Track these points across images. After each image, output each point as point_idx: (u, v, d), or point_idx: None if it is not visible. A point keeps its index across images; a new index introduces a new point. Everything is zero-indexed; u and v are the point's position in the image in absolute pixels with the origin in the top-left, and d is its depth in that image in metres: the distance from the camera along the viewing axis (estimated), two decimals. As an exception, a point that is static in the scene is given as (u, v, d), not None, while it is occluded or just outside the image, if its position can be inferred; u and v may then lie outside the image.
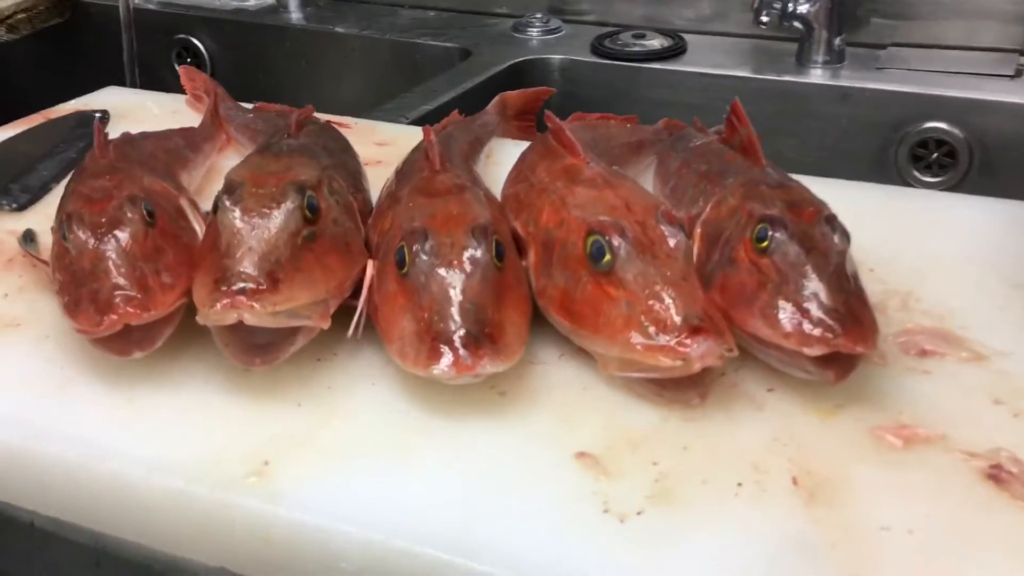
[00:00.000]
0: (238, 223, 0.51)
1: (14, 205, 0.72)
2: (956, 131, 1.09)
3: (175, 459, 0.47)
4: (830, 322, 0.48)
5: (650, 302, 0.49)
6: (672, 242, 0.51)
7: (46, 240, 0.66)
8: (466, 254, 0.51)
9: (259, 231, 0.51)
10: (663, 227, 0.52)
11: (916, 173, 1.12)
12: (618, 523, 0.43)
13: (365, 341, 0.55)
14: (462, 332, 0.48)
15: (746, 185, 0.56)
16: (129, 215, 0.53)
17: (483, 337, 0.49)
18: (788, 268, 0.50)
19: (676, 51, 1.26)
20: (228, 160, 0.82)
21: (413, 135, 0.88)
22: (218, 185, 0.62)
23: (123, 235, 0.52)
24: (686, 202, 0.61)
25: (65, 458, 0.48)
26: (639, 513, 0.43)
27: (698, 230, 0.57)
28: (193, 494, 0.45)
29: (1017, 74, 1.10)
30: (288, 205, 0.52)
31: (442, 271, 0.50)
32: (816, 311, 0.49)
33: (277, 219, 0.52)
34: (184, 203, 0.59)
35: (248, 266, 0.50)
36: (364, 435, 0.49)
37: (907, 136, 1.12)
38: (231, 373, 0.53)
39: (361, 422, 0.50)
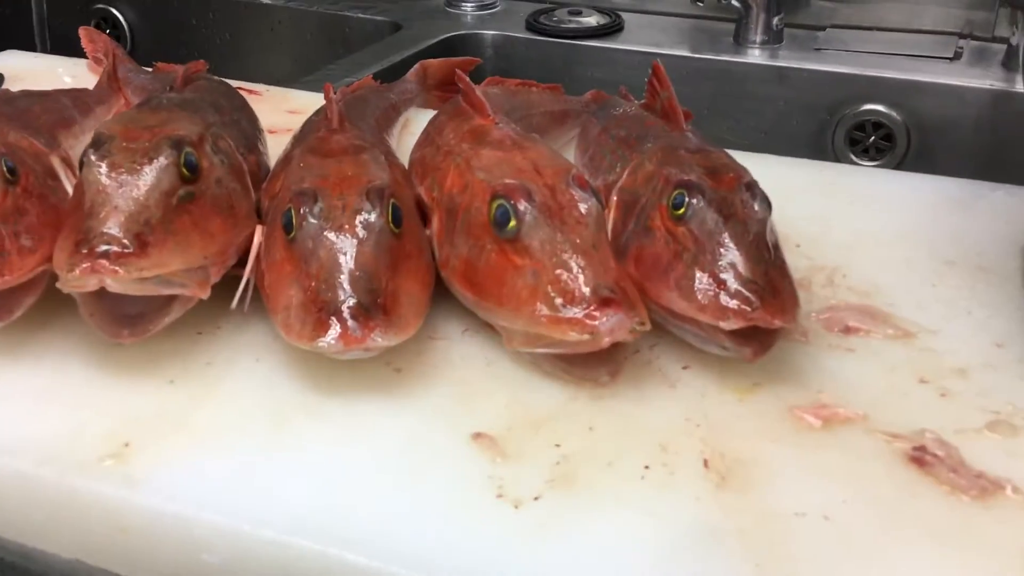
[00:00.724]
0: (104, 180, 0.46)
1: None
2: (894, 114, 1.08)
3: (27, 439, 0.42)
4: (747, 294, 0.45)
5: (557, 271, 0.45)
6: (583, 207, 0.48)
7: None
8: (359, 218, 0.47)
9: (127, 188, 0.46)
10: (573, 191, 0.48)
11: (853, 156, 1.10)
12: (512, 509, 0.39)
13: (252, 313, 0.50)
14: (352, 302, 0.44)
15: (664, 150, 0.52)
16: (-17, 172, 0.48)
17: (375, 308, 0.44)
18: (705, 237, 0.47)
19: (613, 28, 1.22)
20: (127, 125, 0.77)
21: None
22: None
23: (-24, 194, 0.47)
24: (604, 169, 0.57)
25: (-99, 439, 0.43)
26: (536, 498, 0.39)
27: (614, 197, 0.53)
28: (41, 478, 0.41)
29: (956, 56, 1.08)
30: (162, 161, 0.47)
31: (331, 235, 0.46)
32: (733, 283, 0.45)
33: (148, 176, 0.47)
34: (56, 162, 0.54)
35: (113, 227, 0.45)
36: (241, 415, 0.44)
37: (844, 118, 1.09)
38: (99, 347, 0.48)
39: (239, 401, 0.45)
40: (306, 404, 0.45)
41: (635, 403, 0.45)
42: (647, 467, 0.41)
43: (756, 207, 0.48)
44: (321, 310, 0.44)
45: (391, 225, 0.47)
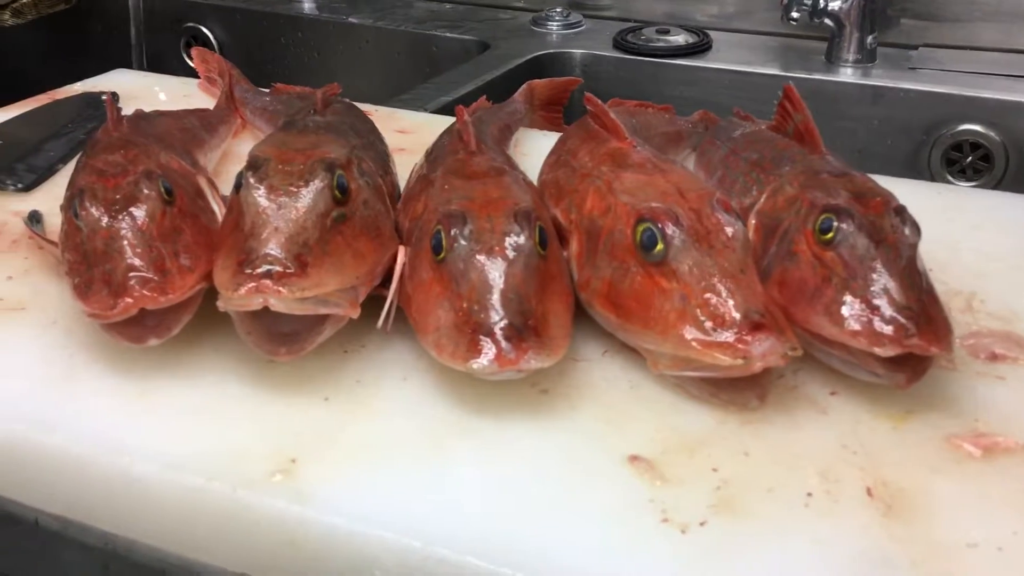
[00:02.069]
0: (264, 201, 0.48)
1: (19, 185, 0.68)
2: (992, 134, 1.06)
3: (193, 455, 0.44)
4: (903, 321, 0.45)
5: (707, 295, 0.45)
6: (729, 231, 0.48)
7: (53, 222, 0.63)
8: (508, 240, 0.47)
9: (286, 210, 0.47)
10: (719, 215, 0.48)
11: (950, 177, 1.09)
12: (679, 534, 0.39)
13: (395, 332, 0.51)
14: (504, 323, 0.45)
15: (805, 173, 0.52)
16: (146, 191, 0.49)
17: (527, 330, 0.45)
18: (855, 262, 0.46)
19: (701, 47, 1.22)
20: (243, 144, 0.78)
21: (436, 123, 0.85)
22: (234, 169, 0.59)
23: (139, 213, 0.49)
24: (737, 191, 0.57)
25: (73, 452, 0.45)
26: (702, 524, 0.40)
27: (752, 221, 0.53)
28: (213, 492, 0.42)
29: (1055, 76, 1.06)
30: (317, 183, 0.48)
31: (482, 257, 0.47)
32: (887, 309, 0.45)
33: (305, 198, 0.48)
34: (203, 182, 0.55)
35: (275, 248, 0.46)
36: (396, 433, 0.45)
37: (941, 138, 1.08)
38: (253, 364, 0.49)
39: (393, 419, 0.46)
40: (458, 423, 0.46)
41: (788, 429, 0.45)
42: (809, 494, 0.41)
43: (907, 231, 0.47)
44: (475, 331, 0.45)
45: (538, 247, 0.48)
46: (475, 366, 0.44)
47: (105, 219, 0.48)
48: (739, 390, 0.46)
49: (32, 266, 0.59)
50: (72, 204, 0.50)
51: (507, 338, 0.44)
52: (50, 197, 0.68)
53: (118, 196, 0.49)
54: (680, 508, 0.40)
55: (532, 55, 1.23)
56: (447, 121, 0.84)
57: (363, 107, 0.86)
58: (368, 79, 1.40)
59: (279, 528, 0.41)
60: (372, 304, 0.50)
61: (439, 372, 0.49)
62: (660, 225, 0.47)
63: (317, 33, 1.41)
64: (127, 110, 0.85)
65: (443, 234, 0.48)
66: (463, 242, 0.47)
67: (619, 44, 1.24)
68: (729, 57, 1.21)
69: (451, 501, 0.41)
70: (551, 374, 0.48)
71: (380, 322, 0.50)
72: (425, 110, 1.03)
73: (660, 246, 0.47)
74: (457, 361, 0.45)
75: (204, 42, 1.47)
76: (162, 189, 0.50)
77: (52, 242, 0.56)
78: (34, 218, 0.63)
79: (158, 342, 0.48)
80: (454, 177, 0.53)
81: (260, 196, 0.48)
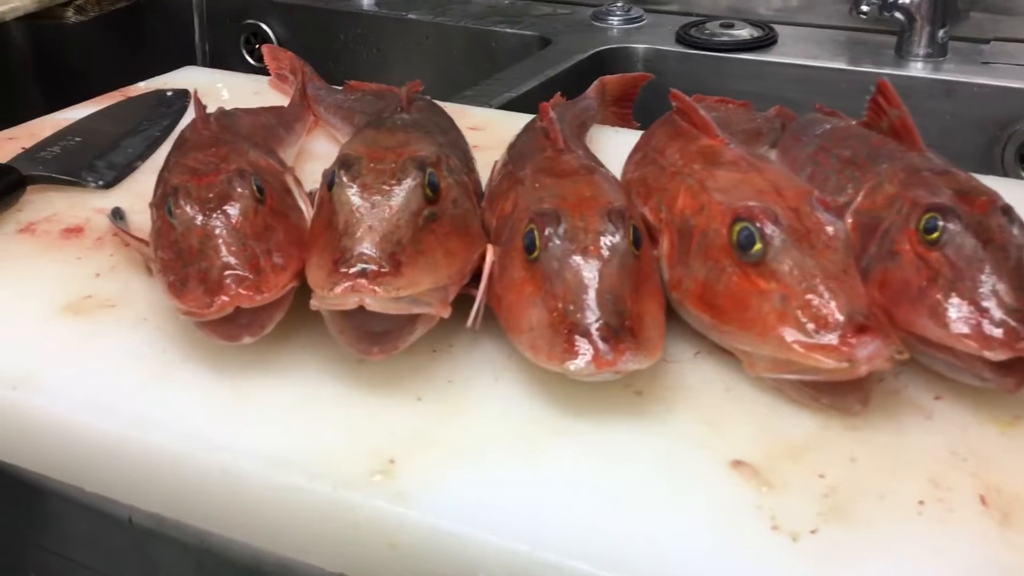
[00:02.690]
0: (357, 200, 0.47)
1: (100, 182, 0.69)
2: (1068, 130, 1.03)
3: (291, 454, 0.43)
4: (1013, 323, 0.43)
5: (808, 296, 0.44)
6: (830, 230, 0.47)
7: (134, 220, 0.64)
8: (603, 239, 0.47)
9: (379, 209, 0.47)
10: (819, 214, 0.47)
11: (1023, 173, 1.06)
12: (790, 542, 0.38)
13: (482, 332, 0.50)
14: (601, 324, 0.44)
15: (906, 171, 0.51)
16: (239, 190, 0.49)
17: (623, 330, 0.44)
18: (963, 263, 0.45)
19: (767, 41, 1.20)
20: (316, 142, 0.79)
21: (507, 120, 0.84)
22: (309, 167, 0.59)
23: (233, 211, 0.49)
24: (830, 189, 0.56)
25: (169, 450, 0.45)
26: (813, 531, 0.39)
27: (849, 220, 0.52)
28: (314, 492, 0.42)
29: None
30: (409, 182, 0.48)
31: (577, 257, 0.46)
32: (997, 311, 0.44)
33: (398, 196, 0.48)
34: (290, 180, 0.55)
35: (369, 247, 0.46)
36: (493, 434, 0.45)
37: (1016, 134, 1.06)
38: (343, 363, 0.49)
39: (488, 420, 0.46)
40: (554, 424, 0.45)
41: (893, 434, 0.44)
42: (922, 502, 0.40)
43: (1015, 231, 0.46)
44: (570, 332, 0.44)
45: (633, 247, 0.47)
46: (572, 367, 0.43)
47: (200, 217, 0.48)
48: (841, 394, 0.45)
49: (118, 263, 0.59)
50: (166, 202, 0.50)
51: (604, 339, 0.44)
52: (130, 194, 0.69)
53: (211, 194, 0.49)
54: (789, 515, 0.39)
55: (594, 50, 1.21)
56: (518, 117, 0.84)
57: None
58: (426, 75, 1.39)
59: (380, 529, 0.41)
60: (458, 303, 0.50)
61: (530, 372, 0.48)
62: (758, 224, 0.46)
63: (376, 29, 1.41)
64: (199, 107, 0.85)
65: (536, 233, 0.47)
66: (557, 241, 0.47)
67: (682, 39, 1.22)
68: (795, 51, 1.19)
69: (556, 505, 0.40)
70: (644, 375, 0.47)
71: (470, 321, 0.49)
72: (490, 106, 1.02)
73: (759, 245, 0.46)
74: (553, 362, 0.44)
75: (264, 39, 1.48)
76: (254, 187, 0.50)
77: (139, 239, 0.57)
78: (117, 215, 0.63)
79: (252, 340, 0.48)
80: (544, 175, 0.52)
81: (353, 194, 0.48)
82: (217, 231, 0.48)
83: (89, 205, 0.67)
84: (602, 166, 0.56)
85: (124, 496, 0.47)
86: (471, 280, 0.51)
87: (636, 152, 0.61)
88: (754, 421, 0.45)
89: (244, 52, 1.47)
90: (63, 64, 1.51)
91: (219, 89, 0.91)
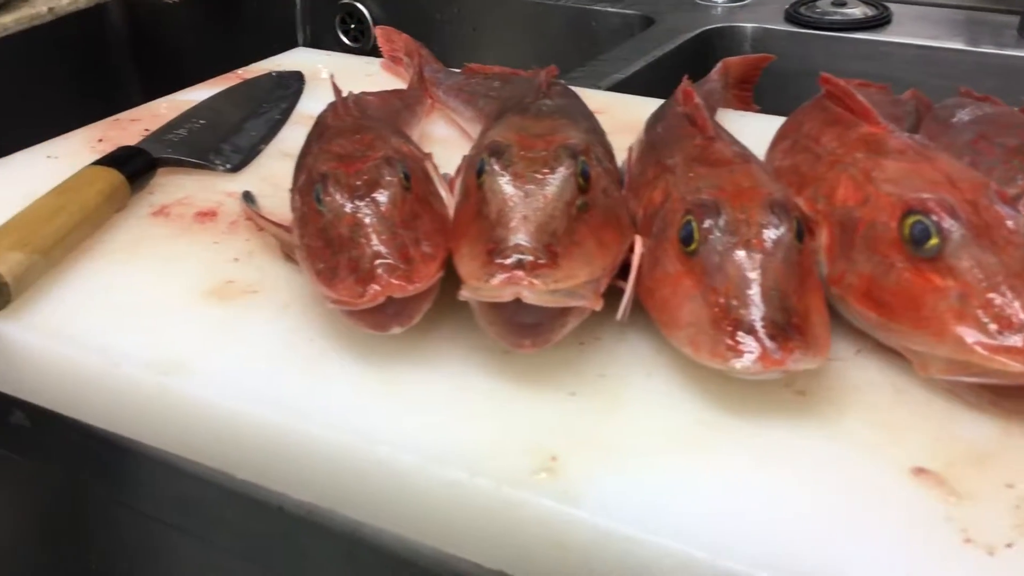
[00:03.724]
0: (510, 189, 0.46)
1: (228, 166, 0.69)
2: None
3: (450, 448, 0.43)
4: None
5: (990, 295, 0.42)
6: (1011, 224, 0.44)
7: (264, 204, 0.63)
8: (766, 232, 0.45)
9: (533, 198, 0.46)
10: (998, 207, 0.45)
11: None
12: (987, 556, 0.36)
13: (629, 325, 0.49)
14: (767, 321, 0.42)
15: (1087, 163, 0.48)
16: (387, 177, 0.48)
17: (790, 327, 0.42)
18: None
19: (881, 21, 1.16)
20: (434, 125, 0.78)
21: (626, 103, 0.82)
22: (431, 152, 0.58)
23: (382, 199, 0.48)
24: (995, 180, 0.52)
25: (325, 441, 0.44)
26: (1009, 545, 0.37)
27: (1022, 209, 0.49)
28: (477, 488, 0.41)
29: None
30: (563, 171, 0.47)
31: (740, 250, 0.44)
32: None
33: (552, 185, 0.46)
34: (429, 167, 0.54)
35: (525, 237, 0.45)
36: (654, 432, 0.43)
37: None
38: (489, 353, 0.48)
39: (647, 417, 0.44)
40: (715, 424, 0.44)
41: (1083, 442, 0.42)
42: (1124, 516, 0.38)
43: None
44: (735, 328, 0.42)
45: (796, 240, 0.45)
46: (738, 365, 0.42)
47: (349, 205, 0.48)
48: (1022, 398, 0.43)
49: (254, 248, 0.59)
50: (312, 189, 0.49)
51: (771, 336, 0.42)
52: (256, 178, 0.69)
53: (360, 181, 0.48)
54: (982, 528, 0.37)
55: (700, 30, 1.19)
56: (639, 101, 0.82)
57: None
58: (524, 55, 1.38)
59: (547, 528, 0.40)
60: (604, 295, 0.48)
61: (684, 367, 0.47)
62: (935, 217, 0.44)
63: (473, 9, 1.40)
64: (314, 90, 0.85)
65: (695, 225, 0.46)
66: (718, 233, 0.45)
67: (792, 17, 1.18)
68: (911, 31, 1.15)
69: (730, 510, 0.39)
70: (805, 374, 0.45)
71: (620, 314, 0.48)
72: (599, 87, 1.01)
73: (934, 240, 0.44)
74: (717, 359, 0.43)
75: (359, 18, 1.48)
76: (401, 175, 0.49)
77: (276, 223, 0.56)
78: (249, 198, 0.63)
79: (400, 330, 0.47)
80: (697, 164, 0.50)
81: (506, 183, 0.46)
82: (367, 219, 0.47)
83: (219, 188, 0.67)
84: (753, 154, 0.54)
85: (276, 484, 0.47)
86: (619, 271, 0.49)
87: (783, 139, 0.58)
88: (930, 426, 0.43)
89: (339, 32, 1.47)
90: (161, 45, 1.53)
91: (334, 72, 0.90)
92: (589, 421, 0.44)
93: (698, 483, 0.40)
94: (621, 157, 0.59)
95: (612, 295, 0.48)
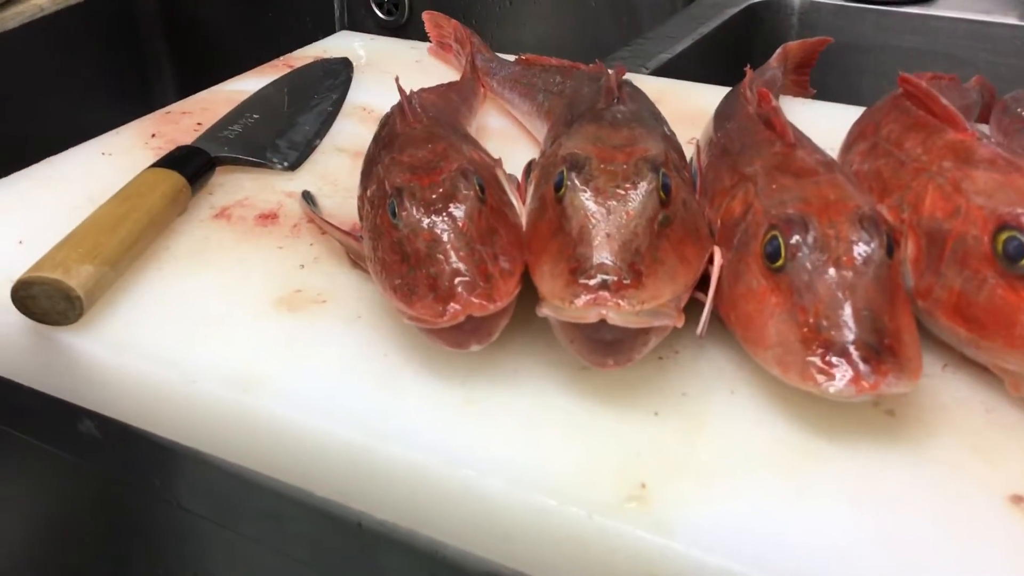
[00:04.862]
0: (592, 205, 0.45)
1: (285, 164, 0.68)
2: None
3: (536, 473, 0.42)
4: None
5: (1089, 315, 0.41)
6: (1109, 242, 0.43)
7: (324, 204, 0.63)
8: (856, 249, 0.44)
9: (616, 215, 0.45)
10: (1096, 224, 0.43)
11: None
12: (1094, 593, 0.36)
13: (707, 338, 0.48)
14: (860, 343, 0.41)
15: None
16: (464, 191, 0.48)
17: (883, 350, 0.42)
18: None
19: (931, -6, 1.13)
20: (488, 116, 0.77)
21: (679, 91, 0.81)
22: (488, 147, 0.57)
23: (459, 213, 0.47)
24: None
25: (407, 461, 0.44)
26: (1117, 581, 0.36)
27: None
28: (567, 515, 0.40)
29: None
30: (645, 185, 0.46)
31: (831, 268, 0.43)
32: None
33: (634, 201, 0.46)
34: (500, 174, 0.53)
35: (608, 256, 0.44)
36: (742, 456, 0.43)
37: None
38: (568, 369, 0.48)
39: (734, 439, 0.44)
40: (805, 447, 0.43)
41: None
42: None
43: None
44: (826, 350, 0.42)
45: (887, 256, 0.44)
46: (831, 390, 0.41)
47: (426, 220, 0.47)
48: (1119, 420, 0.42)
49: (320, 253, 0.58)
50: (386, 201, 0.48)
51: (864, 359, 0.41)
52: (314, 175, 0.68)
53: (435, 195, 0.47)
54: (1087, 562, 0.37)
55: (745, 3, 1.16)
56: (690, 88, 0.81)
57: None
58: (563, 29, 1.36)
59: (638, 559, 0.39)
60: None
61: (766, 385, 0.46)
62: (1029, 234, 0.43)
63: (508, -19, 1.37)
64: (363, 77, 0.84)
65: (781, 240, 0.45)
66: (806, 251, 0.44)
67: (839, -9, 1.16)
68: (961, 4, 1.12)
69: (820, 542, 0.38)
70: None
71: (700, 329, 0.47)
72: (646, 68, 0.99)
73: (1030, 258, 0.43)
74: (808, 382, 0.42)
75: (394, -5, 1.46)
76: (477, 187, 0.48)
77: (342, 231, 0.56)
78: (310, 199, 0.62)
79: (479, 347, 0.46)
80: (779, 174, 0.49)
81: (587, 199, 0.46)
82: (445, 235, 0.46)
83: (278, 188, 0.66)
84: (836, 161, 0.52)
85: (356, 503, 0.47)
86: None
87: (859, 140, 0.57)
88: (1025, 449, 0.42)
89: (373, 5, 1.45)
90: (191, 17, 1.51)
91: (377, 59, 0.89)
92: (676, 444, 0.43)
93: (788, 511, 0.40)
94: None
95: (690, 307, 0.47)
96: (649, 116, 0.55)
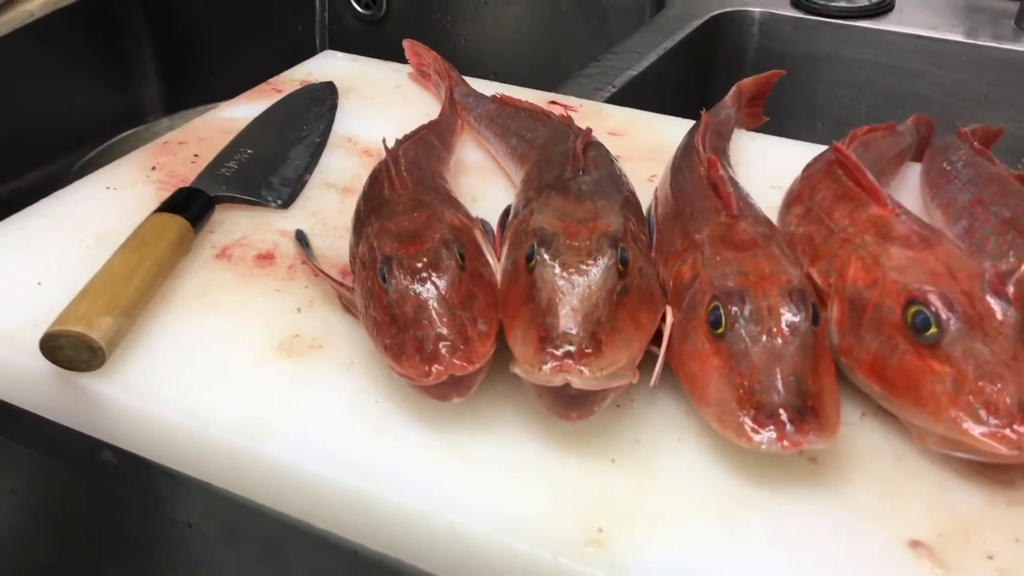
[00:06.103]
0: (559, 280, 0.52)
1: (279, 202, 0.74)
2: None
3: (512, 518, 0.49)
4: None
5: (980, 383, 0.48)
6: (999, 316, 0.50)
7: (316, 243, 0.69)
8: (785, 320, 0.51)
9: (579, 289, 0.52)
10: (990, 299, 0.51)
11: None
12: (968, 628, 0.43)
13: (660, 388, 0.55)
14: (786, 406, 0.49)
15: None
16: (446, 260, 0.54)
17: (806, 411, 0.49)
18: None
19: (884, 8, 1.20)
20: (466, 150, 0.82)
21: (646, 124, 0.87)
22: (466, 182, 0.63)
23: (442, 282, 0.53)
24: (989, 252, 0.59)
25: (397, 505, 0.51)
26: (986, 617, 0.44)
27: (1010, 289, 0.55)
28: (536, 559, 0.48)
29: None
30: (605, 261, 0.52)
31: (763, 339, 0.50)
32: None
33: (595, 275, 0.52)
34: (478, 235, 0.60)
35: (572, 327, 0.50)
36: (686, 501, 0.50)
37: None
38: (539, 418, 0.54)
39: (679, 485, 0.51)
40: (738, 493, 0.50)
41: (1054, 514, 0.48)
42: (1085, 589, 0.45)
43: None
44: (758, 411, 0.49)
45: (812, 324, 0.51)
46: (761, 446, 0.48)
47: (413, 287, 0.53)
48: (1004, 469, 0.50)
49: (314, 296, 0.65)
50: (376, 266, 0.55)
51: (790, 420, 0.48)
52: (305, 213, 0.74)
53: (419, 264, 0.54)
54: (965, 601, 0.44)
55: (709, 15, 1.22)
56: (655, 120, 0.87)
57: (567, 100, 0.89)
58: (534, 31, 1.41)
59: (601, 599, 0.47)
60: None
61: (710, 434, 0.53)
62: (933, 309, 0.50)
63: (484, -19, 1.41)
64: (348, 101, 0.89)
65: (722, 311, 0.51)
66: (743, 321, 0.51)
67: (798, 4, 1.22)
68: (913, 20, 1.19)
69: (754, 580, 0.46)
70: (817, 441, 0.52)
71: (653, 381, 0.54)
72: (613, 87, 1.05)
73: (933, 330, 0.50)
74: (742, 439, 0.49)
75: (370, -13, 1.49)
76: (458, 256, 0.54)
77: (335, 280, 0.62)
78: (302, 240, 0.68)
79: (460, 400, 0.53)
80: (723, 247, 0.56)
81: (554, 274, 0.52)
82: (429, 302, 0.53)
83: (273, 227, 0.72)
84: (773, 228, 0.59)
85: (352, 536, 0.53)
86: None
87: (796, 202, 0.64)
88: (926, 495, 0.50)
89: (356, 4, 1.49)
90: (175, 14, 1.53)
91: (360, 83, 0.94)
92: (630, 491, 0.51)
93: (722, 554, 0.47)
94: (642, 187, 0.65)
95: (645, 358, 0.54)
96: (610, 185, 0.62)
